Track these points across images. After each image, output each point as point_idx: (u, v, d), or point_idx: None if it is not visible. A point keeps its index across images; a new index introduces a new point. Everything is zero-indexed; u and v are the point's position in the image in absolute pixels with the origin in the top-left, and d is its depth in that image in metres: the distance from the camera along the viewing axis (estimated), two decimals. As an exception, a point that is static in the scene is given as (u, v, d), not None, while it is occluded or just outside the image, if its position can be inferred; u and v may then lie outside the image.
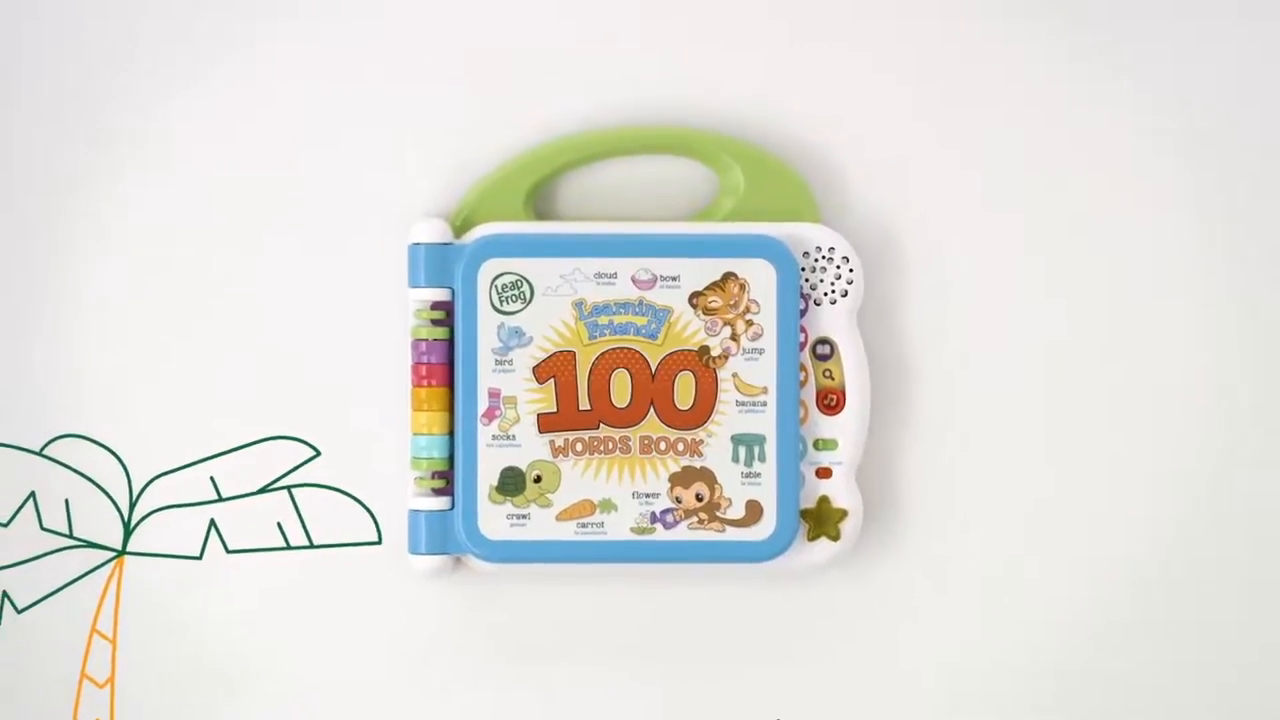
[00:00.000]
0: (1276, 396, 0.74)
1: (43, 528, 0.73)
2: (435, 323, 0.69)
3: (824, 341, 0.71)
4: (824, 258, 0.71)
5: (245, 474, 0.73)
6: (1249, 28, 0.74)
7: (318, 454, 0.73)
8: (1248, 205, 0.74)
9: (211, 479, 0.73)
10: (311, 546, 0.73)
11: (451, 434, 0.70)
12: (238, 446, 0.73)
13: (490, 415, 0.69)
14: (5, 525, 0.72)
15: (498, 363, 0.69)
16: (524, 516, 0.69)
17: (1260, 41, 0.74)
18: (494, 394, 0.69)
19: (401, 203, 0.72)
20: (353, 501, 0.73)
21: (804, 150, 0.73)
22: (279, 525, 0.73)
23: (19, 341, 0.73)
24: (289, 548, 0.73)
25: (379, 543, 0.73)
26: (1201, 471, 0.74)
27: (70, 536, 0.73)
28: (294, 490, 0.73)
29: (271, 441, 0.73)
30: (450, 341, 0.70)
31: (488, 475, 0.69)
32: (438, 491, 0.70)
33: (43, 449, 0.73)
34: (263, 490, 0.73)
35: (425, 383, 0.69)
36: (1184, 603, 0.74)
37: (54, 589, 0.73)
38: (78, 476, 0.73)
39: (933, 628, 0.74)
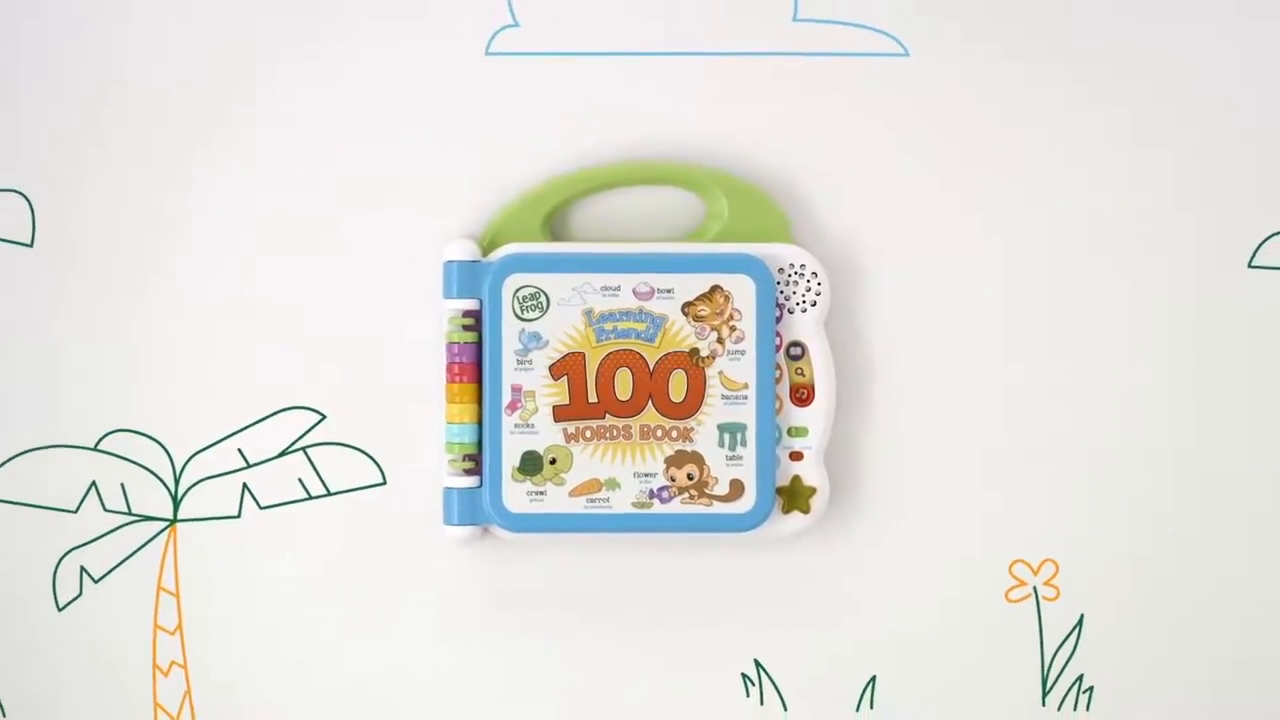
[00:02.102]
0: (1208, 396, 0.75)
1: (105, 510, 0.74)
2: (466, 328, 0.71)
3: (796, 344, 0.73)
4: (796, 273, 0.72)
5: (265, 442, 0.75)
6: (1195, 51, 0.75)
7: (323, 418, 0.74)
8: (1184, 219, 0.75)
9: (239, 450, 0.75)
10: (329, 494, 0.74)
11: (480, 423, 0.71)
12: (258, 420, 0.75)
13: (513, 407, 0.71)
14: (74, 512, 0.74)
15: (519, 362, 0.71)
16: (541, 493, 0.71)
17: (1207, 60, 0.75)
18: (516, 389, 0.71)
19: (437, 226, 0.74)
20: (361, 454, 0.75)
21: (780, 182, 0.75)
22: (300, 481, 0.75)
23: (71, 356, 0.74)
24: (310, 498, 0.75)
25: (384, 484, 0.75)
26: (1135, 459, 0.75)
27: (129, 514, 0.75)
28: (309, 450, 0.75)
29: (284, 413, 0.75)
30: (479, 344, 0.71)
31: (511, 458, 0.71)
32: (468, 472, 0.71)
33: (97, 444, 0.74)
34: (282, 454, 0.75)
35: (457, 380, 0.71)
36: (1116, 573, 0.76)
37: (122, 558, 0.75)
38: (129, 464, 0.74)
39: (885, 585, 0.76)
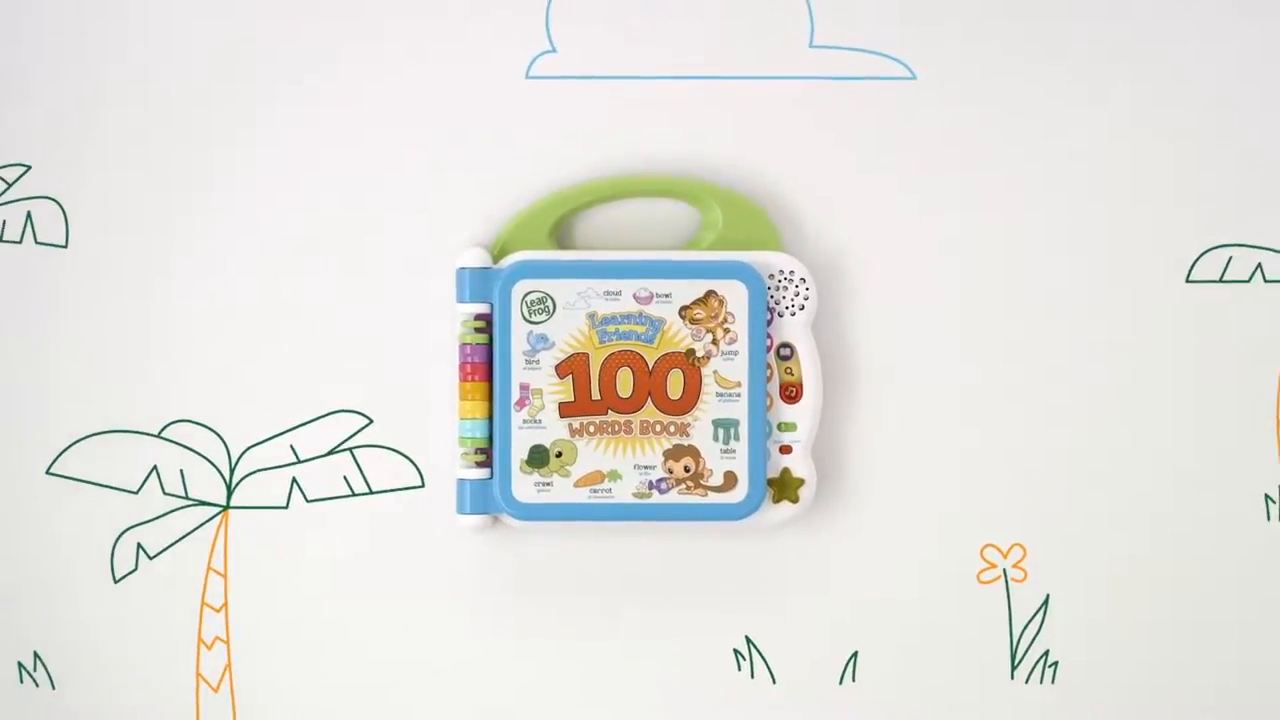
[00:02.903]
0: (1153, 398, 0.77)
1: (164, 493, 0.76)
2: (478, 330, 0.72)
3: (786, 345, 0.74)
4: (785, 279, 0.73)
5: (317, 441, 0.76)
6: (1155, 69, 0.76)
7: (371, 422, 0.75)
8: (1142, 235, 0.77)
9: (291, 447, 0.76)
10: (371, 493, 0.76)
11: (491, 418, 0.72)
12: (310, 420, 0.76)
13: (521, 404, 0.72)
14: (135, 493, 0.75)
15: (527, 362, 0.72)
16: (548, 484, 0.72)
17: (1160, 83, 0.76)
18: (524, 387, 0.72)
19: (451, 235, 0.75)
20: (402, 458, 0.76)
21: (770, 194, 0.76)
22: (345, 479, 0.76)
23: (138, 349, 0.76)
24: (353, 495, 0.76)
25: (423, 486, 0.76)
26: (1095, 454, 0.76)
27: (186, 498, 0.76)
28: (355, 451, 0.76)
29: (336, 415, 0.76)
30: (489, 345, 0.72)
31: (519, 451, 0.72)
32: (480, 464, 0.72)
33: (160, 432, 0.76)
34: (331, 452, 0.76)
35: (470, 378, 0.72)
36: (1079, 557, 0.77)
37: (176, 538, 0.76)
38: (189, 451, 0.76)
39: (867, 568, 0.76)
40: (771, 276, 0.74)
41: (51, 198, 0.75)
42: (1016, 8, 0.76)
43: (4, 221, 0.75)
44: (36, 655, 0.75)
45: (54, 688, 0.76)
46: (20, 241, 0.75)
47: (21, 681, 0.76)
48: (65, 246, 0.75)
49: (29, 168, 0.75)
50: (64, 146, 0.75)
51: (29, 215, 0.75)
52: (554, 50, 0.75)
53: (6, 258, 0.75)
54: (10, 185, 0.75)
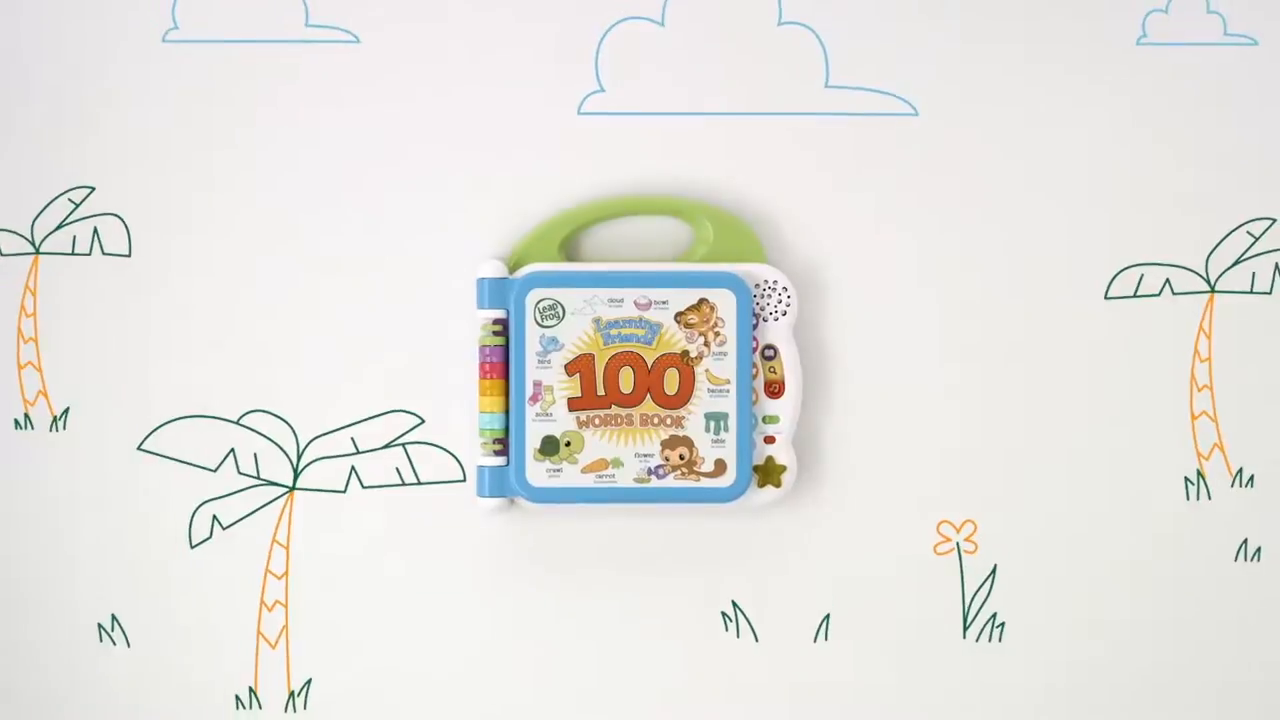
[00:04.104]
0: (1089, 399, 0.79)
1: (239, 472, 0.79)
2: (495, 334, 0.75)
3: (770, 347, 0.76)
4: (770, 288, 0.76)
5: (374, 435, 0.79)
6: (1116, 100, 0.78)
7: (422, 421, 0.78)
8: (1083, 253, 0.79)
9: (352, 439, 0.79)
10: (419, 484, 0.78)
11: (507, 412, 0.75)
12: (369, 416, 0.79)
13: (534, 399, 0.74)
14: (214, 471, 0.79)
15: (540, 362, 0.74)
16: (558, 470, 0.74)
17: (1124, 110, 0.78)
18: (537, 384, 0.74)
19: (472, 249, 0.78)
20: (448, 454, 0.78)
21: (756, 213, 0.78)
22: (397, 470, 0.78)
23: (221, 348, 0.79)
24: (404, 484, 0.78)
25: (464, 480, 0.78)
26: (1038, 444, 0.79)
27: (258, 478, 0.79)
28: (407, 446, 0.78)
29: (392, 414, 0.78)
30: (506, 347, 0.75)
31: (533, 441, 0.74)
32: (497, 453, 0.75)
33: (239, 419, 0.79)
34: (386, 446, 0.79)
35: (489, 376, 0.75)
36: (1022, 531, 0.79)
37: (247, 513, 0.79)
38: (262, 438, 0.79)
39: (838, 543, 0.79)
40: (757, 286, 0.76)
41: (114, 214, 0.79)
42: (1016, 31, 0.79)
43: (74, 237, 0.79)
44: (114, 617, 0.79)
45: (129, 646, 0.79)
46: (90, 254, 0.78)
47: (100, 641, 0.79)
48: (129, 256, 0.79)
49: (93, 189, 0.79)
50: (122, 167, 0.79)
51: (95, 230, 0.78)
52: (602, 90, 0.78)
53: (80, 268, 0.79)
54: (78, 205, 0.78)
